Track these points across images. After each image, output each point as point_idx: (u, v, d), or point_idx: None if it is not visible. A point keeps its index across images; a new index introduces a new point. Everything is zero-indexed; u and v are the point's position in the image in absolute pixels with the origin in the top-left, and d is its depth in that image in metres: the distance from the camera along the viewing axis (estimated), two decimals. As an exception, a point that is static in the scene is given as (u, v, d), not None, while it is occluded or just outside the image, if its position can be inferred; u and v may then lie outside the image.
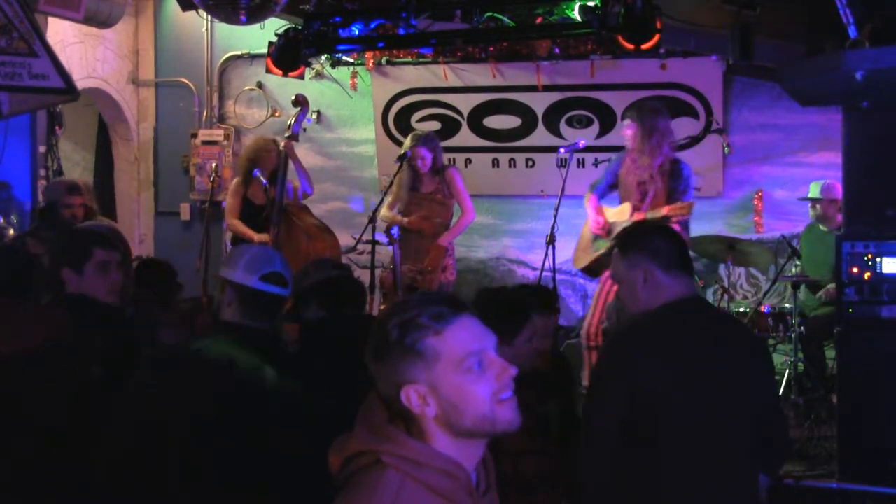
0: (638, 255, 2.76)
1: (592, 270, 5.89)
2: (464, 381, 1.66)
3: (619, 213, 5.75)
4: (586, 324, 5.82)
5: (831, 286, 5.73)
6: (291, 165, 6.22)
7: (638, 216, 5.54)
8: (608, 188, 5.97)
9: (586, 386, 5.73)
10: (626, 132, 5.75)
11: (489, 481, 1.78)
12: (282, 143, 6.14)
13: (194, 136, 8.36)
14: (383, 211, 6.15)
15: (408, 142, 6.21)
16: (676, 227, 5.55)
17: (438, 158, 6.21)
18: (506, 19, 5.95)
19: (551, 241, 5.57)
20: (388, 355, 1.68)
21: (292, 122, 6.15)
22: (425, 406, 1.66)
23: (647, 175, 5.67)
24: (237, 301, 2.79)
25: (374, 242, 5.78)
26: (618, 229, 5.65)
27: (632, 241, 2.84)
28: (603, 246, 5.73)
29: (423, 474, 1.64)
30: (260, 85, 8.32)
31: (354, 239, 5.89)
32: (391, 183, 6.15)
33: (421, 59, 7.76)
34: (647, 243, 2.78)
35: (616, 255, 2.84)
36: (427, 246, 6.13)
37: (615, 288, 5.71)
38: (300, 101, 6.20)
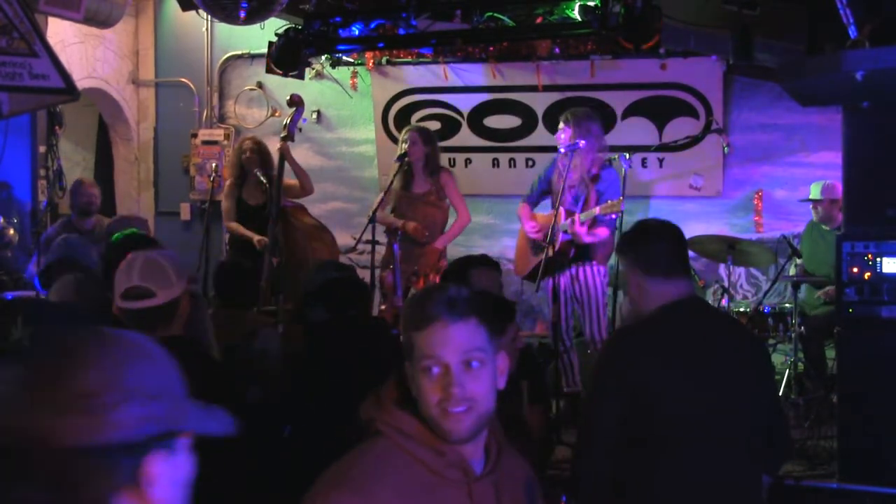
0: (629, 258, 2.81)
1: (533, 276, 5.94)
2: (421, 379, 1.79)
3: (551, 217, 5.81)
4: (591, 330, 5.84)
5: (831, 287, 5.73)
6: (288, 166, 6.23)
7: (573, 220, 5.66)
8: (541, 196, 6.13)
9: (566, 391, 5.77)
10: (560, 136, 5.85)
11: (495, 466, 1.87)
12: (278, 145, 6.15)
13: (194, 136, 8.36)
14: (374, 207, 6.11)
15: (403, 133, 6.22)
16: (604, 229, 5.70)
17: (433, 155, 6.19)
18: (506, 19, 5.94)
19: (551, 241, 5.56)
20: (402, 329, 1.86)
21: (287, 122, 6.15)
22: (410, 383, 1.81)
23: (578, 178, 5.75)
24: (125, 321, 2.80)
25: (374, 242, 5.78)
26: (552, 233, 5.71)
27: (625, 243, 2.87)
28: (541, 252, 5.80)
29: (409, 445, 1.77)
30: (260, 85, 8.32)
31: (354, 239, 5.89)
32: (391, 183, 6.13)
33: (421, 59, 7.76)
34: (637, 248, 2.80)
35: (619, 257, 2.88)
36: (419, 248, 6.12)
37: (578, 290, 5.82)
38: (295, 102, 6.20)
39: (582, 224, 5.63)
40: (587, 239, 5.67)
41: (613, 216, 5.71)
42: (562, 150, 5.80)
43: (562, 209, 5.74)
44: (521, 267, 6.19)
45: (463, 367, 1.77)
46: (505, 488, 1.88)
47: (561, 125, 5.87)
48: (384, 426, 1.79)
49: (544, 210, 6.20)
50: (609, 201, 5.62)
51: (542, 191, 6.10)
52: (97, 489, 1.11)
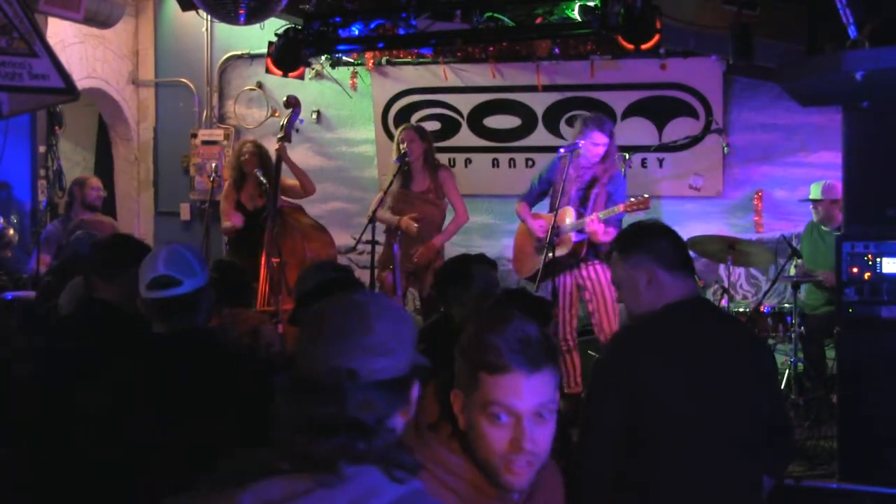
0: (641, 255, 2.74)
1: (532, 277, 5.90)
2: (482, 423, 1.74)
3: (562, 216, 5.73)
4: (609, 327, 5.83)
5: (829, 273, 5.71)
6: (286, 167, 6.22)
7: (592, 218, 5.56)
8: (540, 195, 6.05)
9: (567, 392, 5.74)
10: (596, 148, 5.68)
11: (533, 489, 1.83)
12: (275, 146, 6.14)
13: (194, 136, 8.37)
14: (373, 206, 6.07)
15: (399, 133, 6.19)
16: (614, 230, 5.61)
17: (430, 152, 6.17)
18: (506, 19, 5.94)
19: (550, 241, 5.56)
20: (461, 356, 1.80)
21: (285, 123, 6.14)
22: (460, 414, 1.76)
23: (590, 179, 5.72)
24: (148, 314, 2.79)
25: (373, 242, 5.77)
26: (563, 232, 5.68)
27: (634, 241, 2.82)
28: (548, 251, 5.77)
29: (447, 478, 1.74)
30: (260, 85, 8.32)
31: (354, 239, 5.88)
32: (390, 182, 6.12)
33: (421, 59, 7.76)
34: (650, 243, 2.76)
35: (616, 258, 2.81)
36: (417, 247, 6.10)
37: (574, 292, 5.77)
38: (292, 103, 6.18)
39: (601, 222, 5.57)
40: (604, 238, 5.58)
41: (638, 214, 5.61)
42: (596, 158, 5.69)
43: (572, 209, 5.71)
44: (524, 267, 6.10)
45: (534, 420, 1.72)
46: (539, 501, 1.87)
47: (596, 133, 5.66)
48: (422, 457, 1.70)
49: (534, 210, 6.14)
50: (633, 199, 5.53)
51: (542, 191, 6.03)
52: (385, 410, 1.47)
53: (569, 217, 5.72)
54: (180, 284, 2.73)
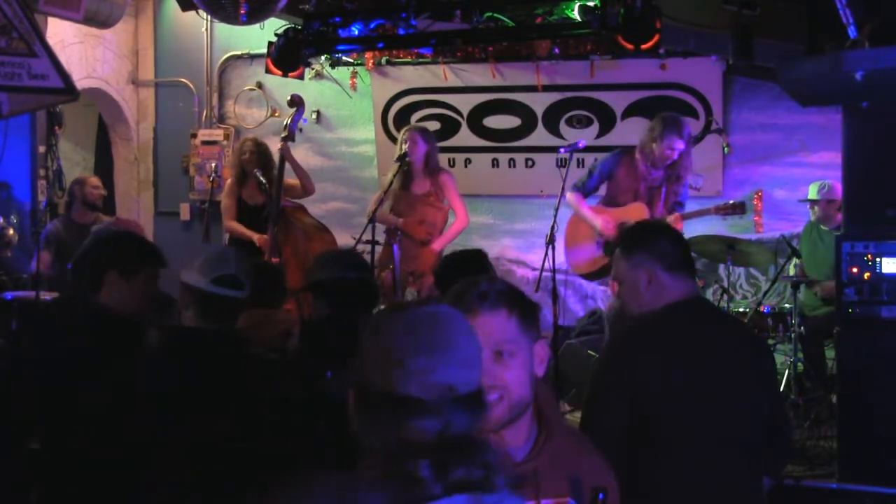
0: (642, 255, 2.74)
1: (593, 275, 5.86)
2: None
3: (637, 213, 5.64)
4: None
5: (828, 282, 5.72)
6: (289, 166, 6.23)
7: (675, 217, 5.51)
8: (595, 188, 5.92)
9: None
10: (672, 152, 5.60)
11: (539, 453, 1.88)
12: (278, 145, 6.15)
13: (194, 136, 8.37)
14: (372, 207, 6.02)
15: (402, 133, 6.19)
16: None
17: (433, 155, 6.17)
18: (506, 19, 5.94)
19: (551, 241, 5.55)
20: None
21: (288, 122, 6.15)
22: None
23: (660, 179, 5.67)
24: (193, 304, 2.79)
25: (373, 242, 5.77)
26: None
27: (636, 240, 2.82)
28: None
29: None
30: (260, 85, 8.32)
31: (354, 239, 5.89)
32: (390, 182, 6.12)
33: (421, 59, 7.76)
34: (652, 243, 2.76)
35: (619, 255, 2.81)
36: (417, 249, 6.10)
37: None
38: (296, 102, 6.20)
39: (681, 222, 5.52)
40: None
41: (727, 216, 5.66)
42: (669, 161, 5.62)
43: (644, 206, 5.64)
44: (584, 264, 5.89)
45: (493, 357, 1.80)
46: (548, 475, 1.86)
47: (675, 138, 5.58)
48: None
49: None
50: (726, 203, 5.56)
51: (599, 183, 5.88)
52: (472, 425, 1.42)
53: (642, 214, 5.61)
54: (243, 290, 2.83)
